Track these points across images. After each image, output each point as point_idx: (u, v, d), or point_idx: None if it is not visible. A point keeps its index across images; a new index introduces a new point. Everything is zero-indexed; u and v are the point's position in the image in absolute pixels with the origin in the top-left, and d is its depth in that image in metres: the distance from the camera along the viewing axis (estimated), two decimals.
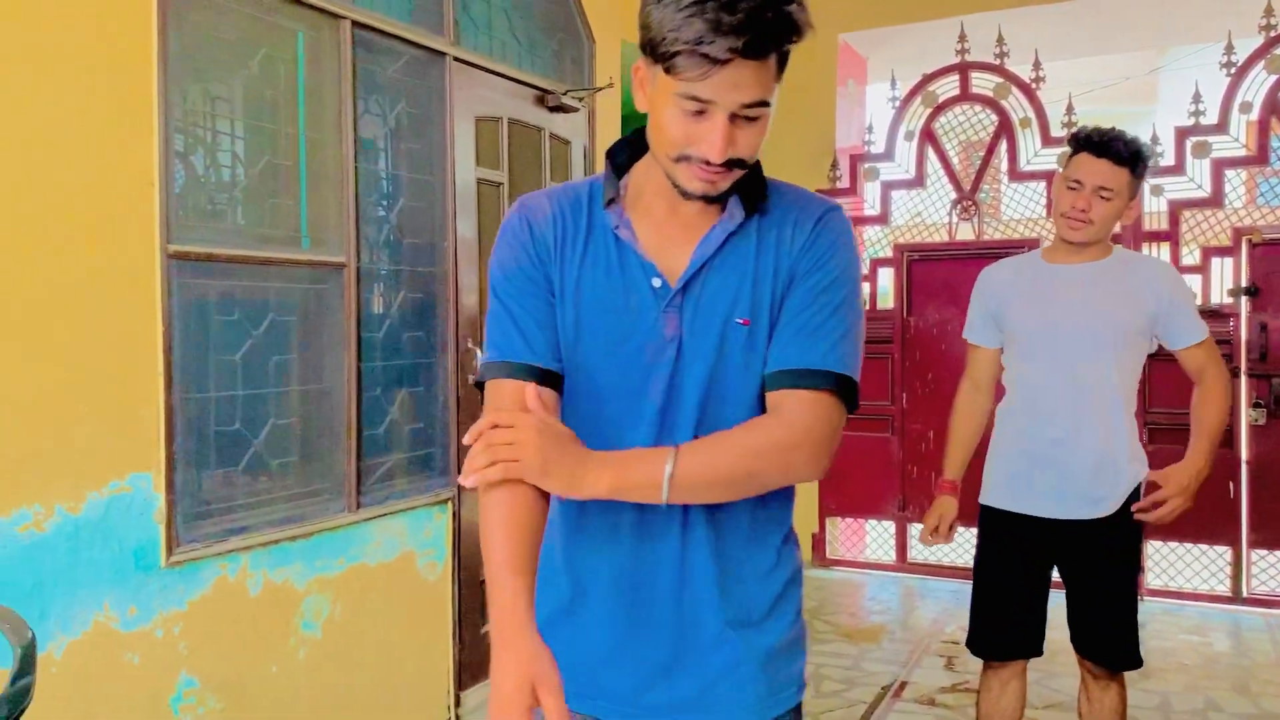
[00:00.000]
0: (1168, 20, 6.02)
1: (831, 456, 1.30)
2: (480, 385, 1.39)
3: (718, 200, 1.32)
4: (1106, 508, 2.59)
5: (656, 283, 1.33)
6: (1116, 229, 2.71)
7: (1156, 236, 5.19)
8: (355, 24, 3.25)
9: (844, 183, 5.88)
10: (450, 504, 3.65)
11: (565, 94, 4.25)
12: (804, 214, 1.36)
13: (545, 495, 1.32)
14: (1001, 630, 2.71)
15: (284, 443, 3.10)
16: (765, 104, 1.23)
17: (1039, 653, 2.73)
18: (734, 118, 1.21)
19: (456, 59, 3.71)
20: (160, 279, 2.65)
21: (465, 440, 1.27)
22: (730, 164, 1.24)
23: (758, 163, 1.34)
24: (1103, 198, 2.53)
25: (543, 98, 4.21)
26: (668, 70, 1.20)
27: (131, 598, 2.59)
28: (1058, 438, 2.59)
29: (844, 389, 1.30)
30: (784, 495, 1.43)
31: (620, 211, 1.37)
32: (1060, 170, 2.67)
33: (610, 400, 1.35)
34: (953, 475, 2.86)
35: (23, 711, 1.52)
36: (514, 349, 1.36)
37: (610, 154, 1.41)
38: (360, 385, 3.30)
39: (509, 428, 1.24)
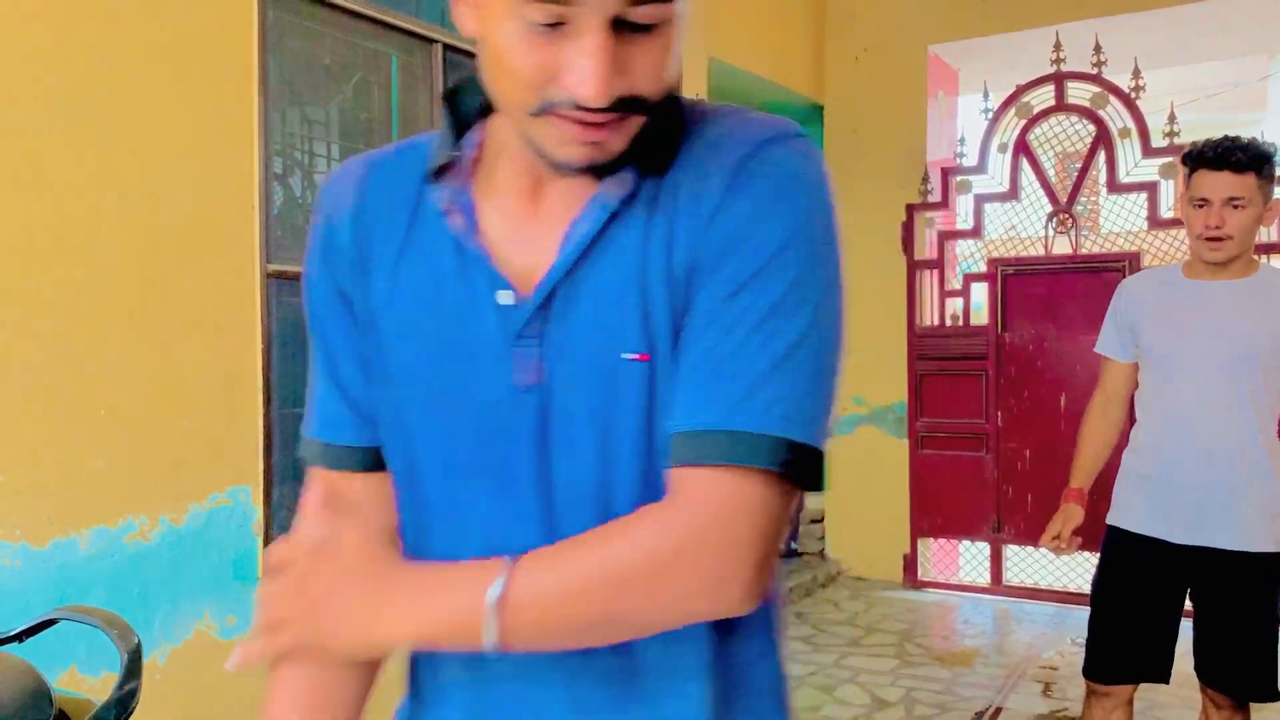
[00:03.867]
0: (1277, 25, 5.80)
1: (770, 572, 0.78)
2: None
3: (611, 169, 0.80)
4: (1247, 540, 2.45)
5: (505, 298, 0.82)
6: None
7: (1268, 248, 4.98)
8: (446, 47, 3.32)
9: (935, 196, 5.78)
10: None
11: None
12: (717, 159, 0.80)
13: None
14: (1124, 652, 2.62)
15: None
16: None
17: (1165, 679, 2.62)
18: (618, 26, 0.72)
19: None
20: (260, 298, 2.74)
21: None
22: (623, 106, 0.75)
23: (676, 100, 0.83)
24: (1235, 207, 2.42)
25: None
26: None
27: (230, 607, 2.66)
28: (1193, 461, 2.49)
29: (789, 459, 0.76)
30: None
31: (460, 188, 0.85)
32: (1182, 191, 2.56)
33: (462, 490, 0.86)
34: (1079, 484, 2.76)
35: (129, 715, 1.57)
36: (321, 420, 0.92)
37: (450, 96, 0.88)
38: None
39: (276, 580, 0.84)
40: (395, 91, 3.25)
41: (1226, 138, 2.48)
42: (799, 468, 0.77)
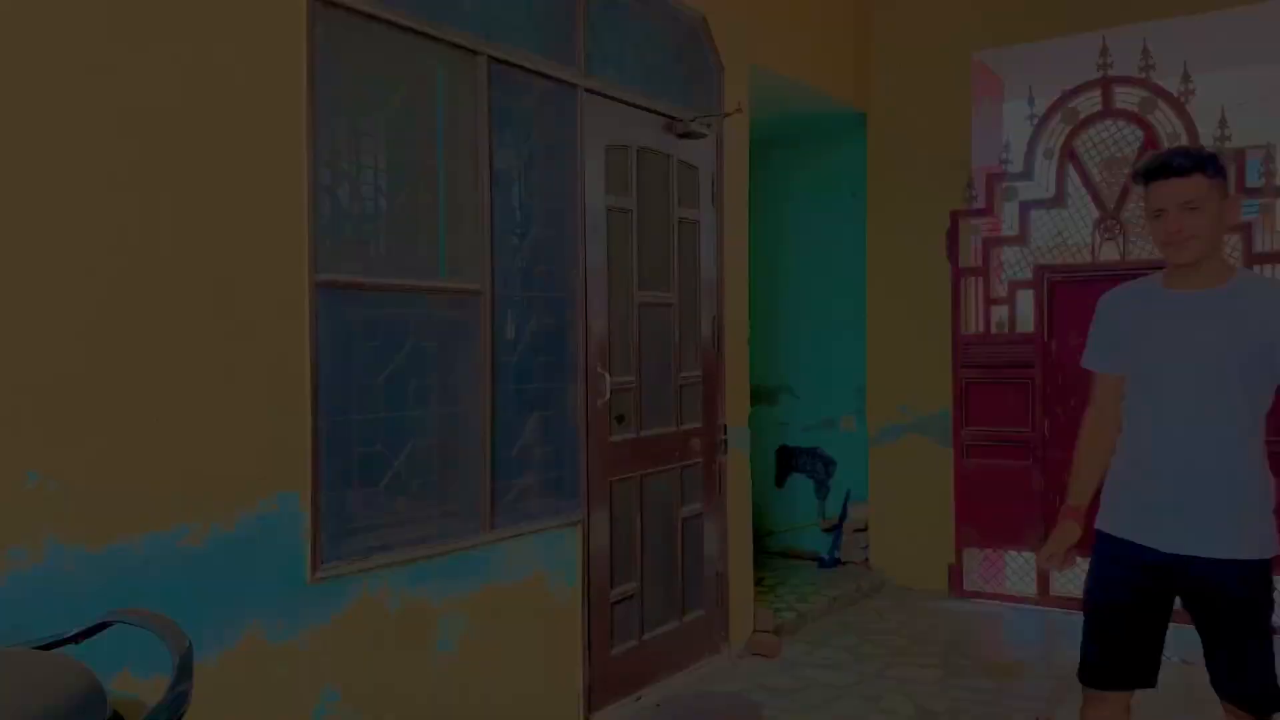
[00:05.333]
0: None
1: None
2: None
3: None
4: (1227, 548, 2.45)
5: None
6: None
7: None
8: (491, 59, 3.36)
9: (980, 203, 5.73)
10: (580, 526, 3.70)
11: (693, 120, 4.29)
12: None
13: None
14: (1113, 657, 2.64)
15: (423, 464, 3.20)
16: None
17: (1151, 684, 2.64)
18: None
19: (587, 90, 3.78)
20: (309, 307, 2.78)
21: None
22: None
23: None
24: (1190, 209, 2.46)
25: (671, 125, 4.25)
26: None
27: (279, 612, 2.70)
28: (1173, 471, 2.52)
29: None
30: None
31: None
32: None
33: None
34: (1077, 502, 2.81)
35: (181, 716, 1.60)
36: None
37: None
38: (495, 409, 3.38)
39: None
40: (441, 103, 3.29)
41: (1168, 149, 2.54)
42: None
